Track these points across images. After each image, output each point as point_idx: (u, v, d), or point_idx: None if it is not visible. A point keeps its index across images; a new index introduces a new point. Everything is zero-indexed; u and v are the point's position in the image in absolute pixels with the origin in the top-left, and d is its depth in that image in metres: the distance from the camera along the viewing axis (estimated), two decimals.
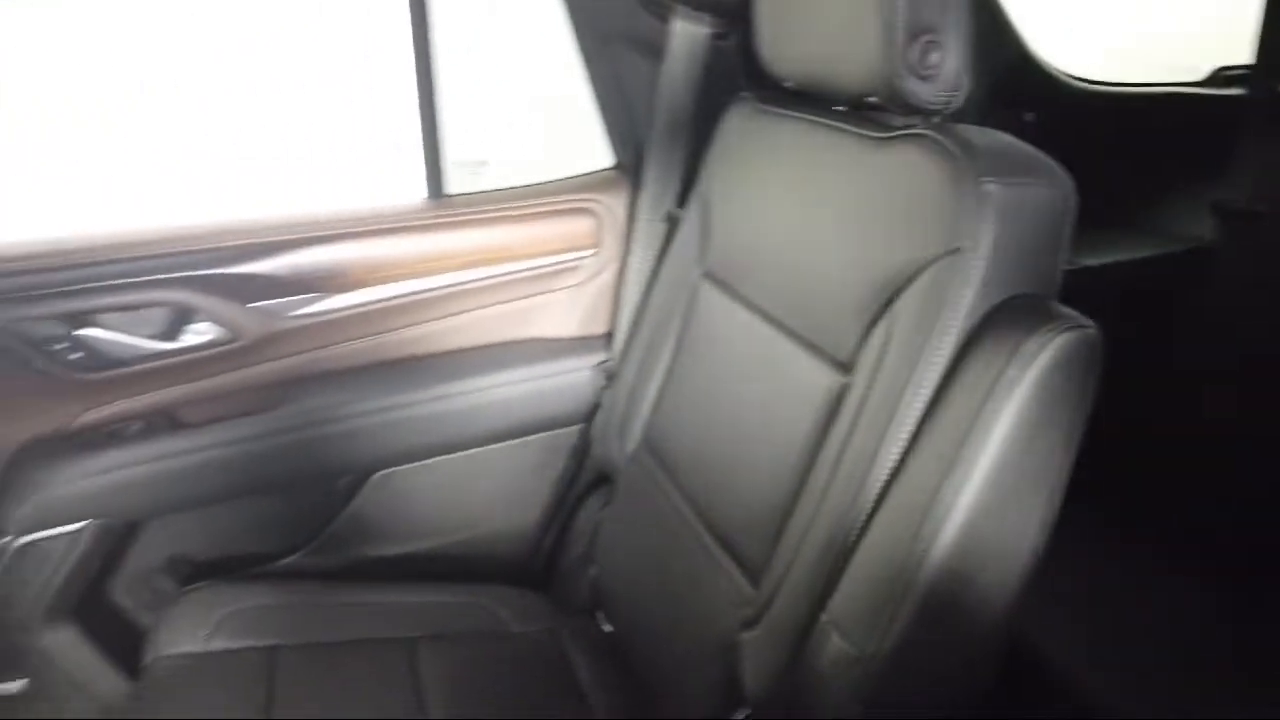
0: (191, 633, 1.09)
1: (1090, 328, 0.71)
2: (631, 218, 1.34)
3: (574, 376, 1.34)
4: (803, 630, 0.79)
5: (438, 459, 1.31)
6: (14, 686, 1.21)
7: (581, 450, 1.38)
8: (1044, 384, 0.70)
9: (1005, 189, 0.74)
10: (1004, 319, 0.73)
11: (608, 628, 1.19)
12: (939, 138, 0.80)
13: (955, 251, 0.74)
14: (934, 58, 0.78)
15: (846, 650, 0.74)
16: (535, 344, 1.37)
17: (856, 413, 0.81)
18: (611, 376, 1.30)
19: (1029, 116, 1.71)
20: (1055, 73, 1.80)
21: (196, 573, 1.26)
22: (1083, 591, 1.45)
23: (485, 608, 1.21)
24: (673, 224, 1.23)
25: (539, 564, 1.42)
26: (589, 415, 1.35)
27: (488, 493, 1.36)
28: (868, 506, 0.76)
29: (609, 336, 1.36)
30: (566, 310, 1.37)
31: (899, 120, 0.86)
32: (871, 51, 0.80)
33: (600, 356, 1.34)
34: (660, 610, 1.07)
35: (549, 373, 1.34)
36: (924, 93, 0.80)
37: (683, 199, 1.22)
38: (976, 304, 0.74)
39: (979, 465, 0.70)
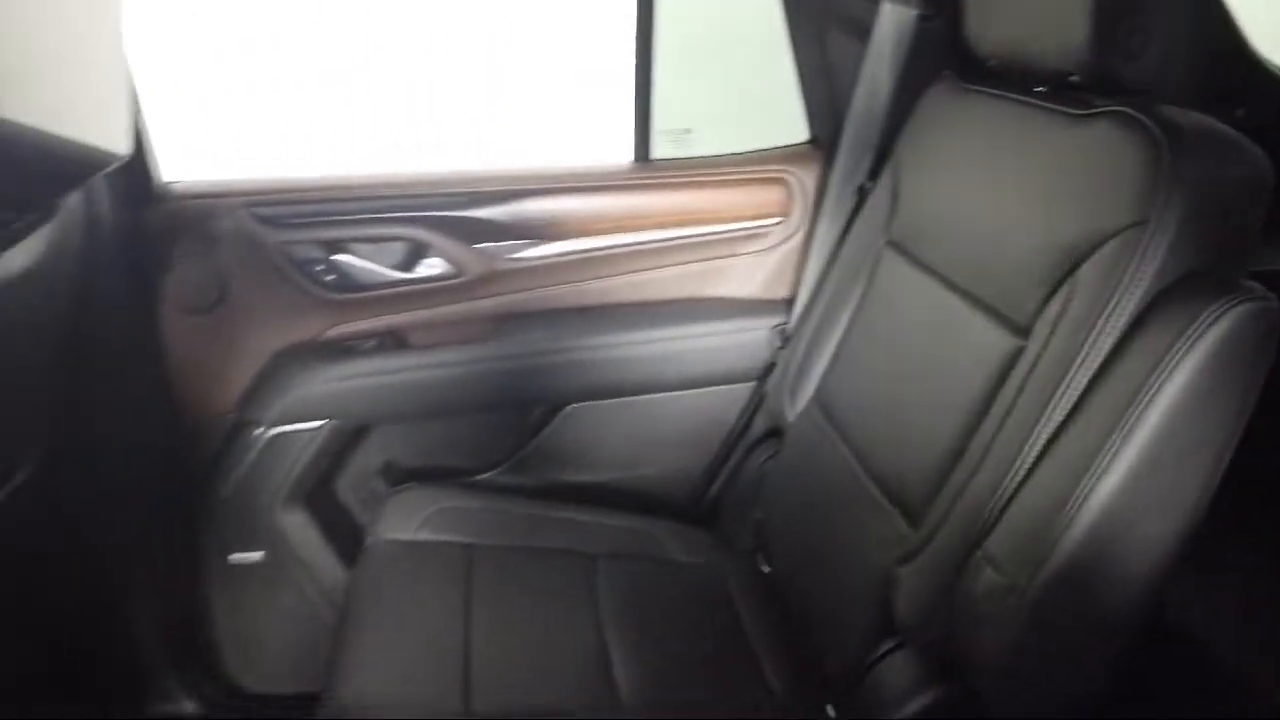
0: (403, 525, 1.25)
1: (1271, 300, 0.73)
2: (821, 190, 1.41)
3: (752, 335, 1.43)
4: (958, 564, 0.85)
5: (622, 399, 1.44)
6: (256, 556, 1.42)
7: (754, 405, 1.47)
8: (1216, 354, 0.73)
9: (1198, 165, 0.77)
10: (1183, 290, 0.77)
11: (766, 569, 1.27)
12: (1137, 114, 0.83)
13: (1142, 224, 0.77)
14: (1139, 38, 0.82)
15: (999, 582, 0.80)
16: (720, 303, 1.47)
17: (1028, 373, 0.85)
18: (788, 338, 1.37)
19: (1240, 112, 1.66)
20: (1273, 67, 1.73)
21: (407, 477, 1.43)
22: (1255, 587, 1.42)
23: (655, 537, 1.32)
24: (862, 196, 1.29)
25: (706, 505, 1.52)
26: (764, 373, 1.43)
27: (665, 436, 1.47)
28: (1031, 458, 0.82)
29: (789, 302, 1.44)
30: (751, 273, 1.46)
31: (1099, 101, 0.88)
32: (1076, 30, 0.83)
33: (779, 319, 1.42)
34: (819, 551, 1.14)
35: (730, 329, 1.43)
36: (1127, 73, 0.83)
37: (874, 173, 1.29)
38: (1158, 275, 0.77)
39: (1144, 426, 0.74)
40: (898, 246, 1.14)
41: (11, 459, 1.01)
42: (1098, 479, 0.75)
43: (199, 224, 1.30)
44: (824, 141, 1.44)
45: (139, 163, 1.26)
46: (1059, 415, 0.81)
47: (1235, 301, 0.73)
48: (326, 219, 1.33)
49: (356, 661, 1.03)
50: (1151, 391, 0.74)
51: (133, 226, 1.25)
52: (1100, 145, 0.85)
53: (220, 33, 2.81)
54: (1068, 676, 0.83)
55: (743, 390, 1.46)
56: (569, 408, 1.43)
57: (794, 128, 1.47)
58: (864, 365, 1.16)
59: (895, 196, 1.17)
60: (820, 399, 1.23)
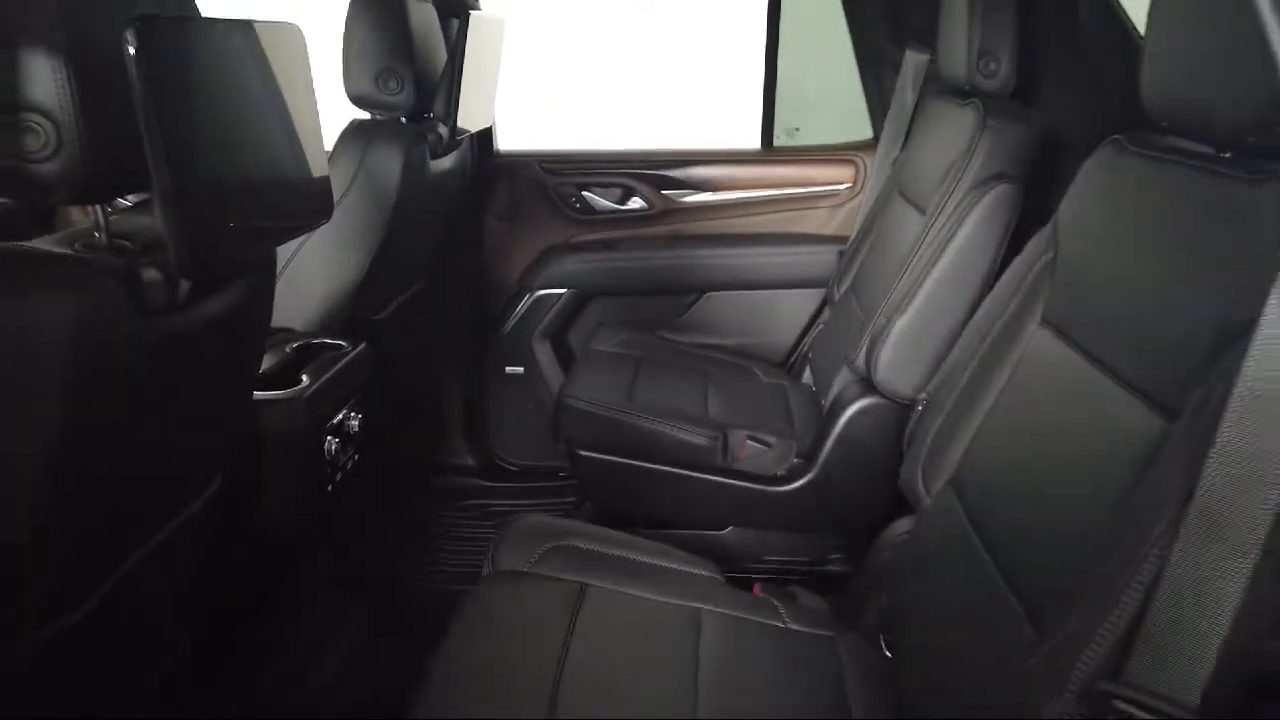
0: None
1: None
2: (873, 168, 2.29)
3: (822, 256, 2.29)
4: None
5: (740, 291, 2.35)
6: (519, 369, 2.43)
7: (820, 304, 2.33)
8: None
9: None
10: None
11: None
12: None
13: None
14: None
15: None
16: (804, 236, 2.36)
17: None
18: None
19: None
20: None
21: (614, 330, 2.40)
22: None
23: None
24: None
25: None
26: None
27: (762, 316, 2.36)
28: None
29: (846, 238, 2.29)
30: (825, 219, 2.35)
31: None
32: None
33: (839, 247, 2.28)
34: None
35: (808, 251, 2.32)
36: None
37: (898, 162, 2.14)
38: None
39: None
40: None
41: (415, 275, 2.04)
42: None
43: (510, 171, 2.36)
44: (879, 137, 2.32)
45: (486, 133, 2.32)
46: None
47: None
48: (579, 171, 2.35)
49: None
50: None
51: (480, 168, 2.31)
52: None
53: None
54: None
55: (814, 294, 2.32)
56: (707, 294, 2.36)
57: (863, 125, 2.37)
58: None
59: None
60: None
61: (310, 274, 1.71)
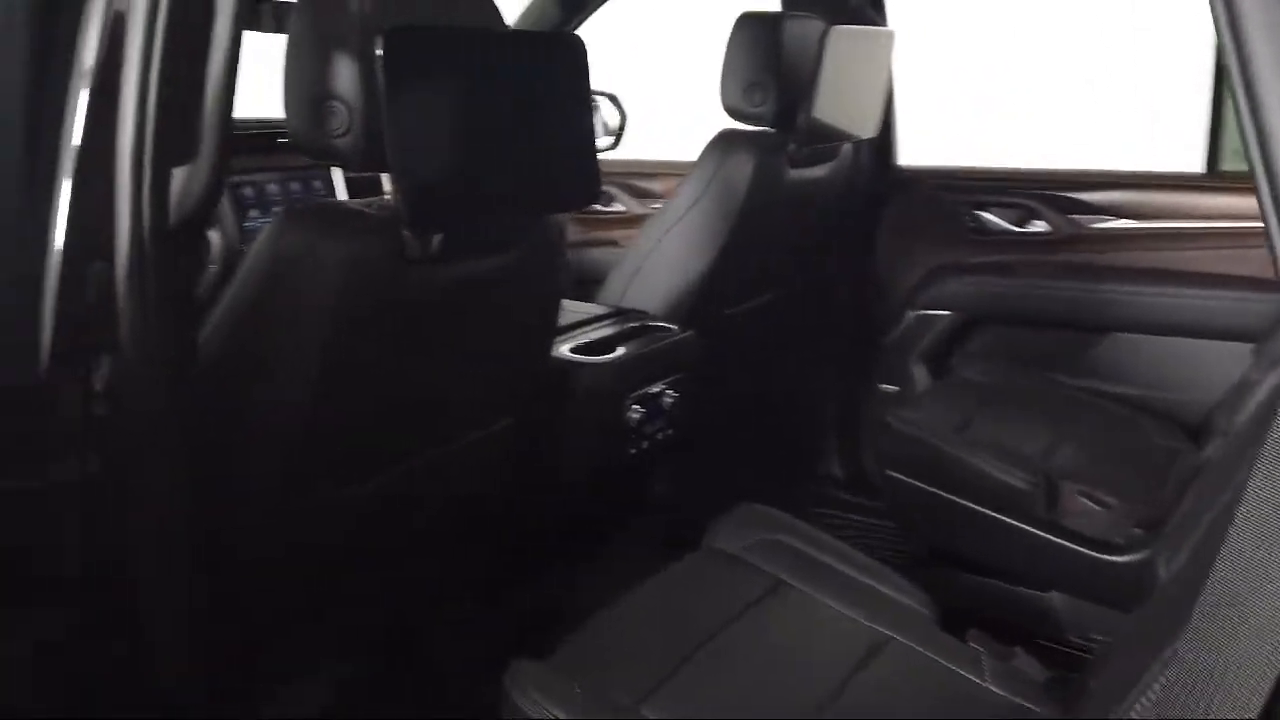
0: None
1: None
2: None
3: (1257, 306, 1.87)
4: None
5: (1143, 336, 2.02)
6: (893, 389, 2.38)
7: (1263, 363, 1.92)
8: None
9: None
10: None
11: None
12: None
13: None
14: None
15: None
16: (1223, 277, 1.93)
17: None
18: None
19: None
20: None
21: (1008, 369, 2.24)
22: None
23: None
24: None
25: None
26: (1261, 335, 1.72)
27: (1170, 369, 2.01)
28: None
29: None
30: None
31: None
32: None
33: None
34: None
35: (1233, 296, 1.91)
36: None
37: None
38: None
39: None
40: None
41: (771, 279, 2.10)
42: None
43: (905, 186, 2.32)
44: None
45: (885, 146, 2.31)
46: None
47: None
48: (977, 188, 2.23)
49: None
50: None
51: (875, 182, 2.32)
52: None
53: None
54: None
55: (1241, 348, 1.91)
56: (1112, 334, 2.08)
57: None
58: None
59: None
60: None
61: (663, 266, 1.90)
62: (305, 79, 1.06)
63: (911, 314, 2.30)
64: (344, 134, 1.06)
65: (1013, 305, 2.20)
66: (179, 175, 0.90)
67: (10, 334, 0.88)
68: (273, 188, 1.97)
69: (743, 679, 1.12)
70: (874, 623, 1.22)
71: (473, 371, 1.33)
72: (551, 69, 1.19)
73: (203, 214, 0.93)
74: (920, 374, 2.31)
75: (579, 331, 1.72)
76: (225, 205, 1.84)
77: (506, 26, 1.21)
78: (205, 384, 1.04)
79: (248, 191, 1.92)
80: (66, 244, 0.89)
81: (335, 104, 1.05)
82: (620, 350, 1.65)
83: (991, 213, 2.23)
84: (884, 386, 2.37)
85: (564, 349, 1.62)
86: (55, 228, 0.88)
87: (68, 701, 0.98)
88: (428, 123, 1.04)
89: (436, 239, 1.13)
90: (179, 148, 0.90)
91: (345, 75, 1.04)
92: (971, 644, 1.22)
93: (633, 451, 1.70)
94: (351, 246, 1.06)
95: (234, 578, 1.12)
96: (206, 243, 1.58)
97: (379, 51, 0.99)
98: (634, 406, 1.67)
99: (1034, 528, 1.64)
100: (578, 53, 1.21)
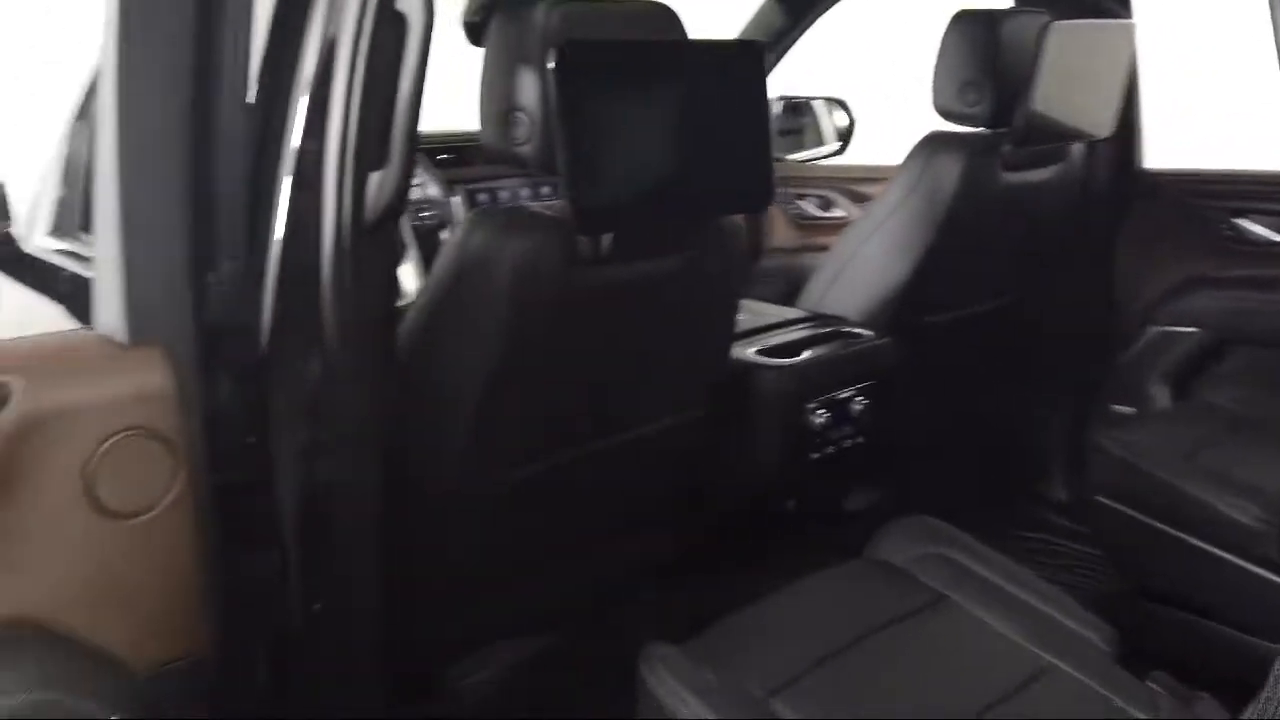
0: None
1: None
2: None
3: None
4: None
5: None
6: (1129, 410, 2.19)
7: None
8: None
9: None
10: None
11: None
12: None
13: None
14: None
15: None
16: None
17: None
18: None
19: None
20: None
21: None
22: None
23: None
24: None
25: None
26: None
27: None
28: None
29: None
30: None
31: None
32: None
33: None
34: None
35: None
36: None
37: None
38: None
39: None
40: None
41: (983, 289, 1.98)
42: None
43: (1150, 191, 2.12)
44: None
45: (1127, 148, 2.12)
46: None
47: None
48: (1235, 193, 2.01)
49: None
50: None
51: (1114, 186, 2.14)
52: None
53: None
54: None
55: None
56: None
57: None
58: None
59: None
60: None
61: (863, 271, 1.88)
62: (495, 93, 1.17)
63: (1154, 330, 2.11)
64: (526, 142, 1.16)
65: (1273, 324, 1.95)
66: (374, 179, 1.03)
67: (238, 316, 1.05)
68: (504, 194, 2.15)
69: (882, 687, 1.10)
70: (1039, 649, 1.15)
71: (644, 368, 1.40)
72: (726, 76, 1.23)
73: (392, 212, 1.06)
74: (1161, 395, 2.11)
75: (771, 334, 1.74)
76: (458, 207, 2.04)
77: (687, 37, 1.26)
78: (400, 367, 1.18)
79: (482, 196, 2.11)
80: (285, 234, 1.05)
81: (519, 114, 1.15)
82: (806, 354, 1.66)
83: (1253, 220, 2.00)
84: (1117, 407, 2.19)
85: (750, 351, 1.65)
86: (276, 221, 1.04)
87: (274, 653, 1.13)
88: (595, 131, 1.11)
89: (606, 240, 1.21)
90: (374, 154, 1.03)
91: (528, 88, 1.14)
92: (1151, 685, 1.12)
93: (815, 456, 1.70)
94: (525, 245, 1.16)
95: (416, 555, 1.25)
96: (400, 237, 1.76)
97: (550, 64, 1.07)
98: (818, 411, 1.67)
99: (1266, 570, 1.46)
100: (754, 59, 1.24)
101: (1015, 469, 2.32)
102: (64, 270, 1.48)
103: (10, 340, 0.98)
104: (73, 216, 1.57)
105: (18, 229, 1.52)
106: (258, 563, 1.10)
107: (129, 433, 0.94)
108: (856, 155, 2.67)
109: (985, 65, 1.75)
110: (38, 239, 1.60)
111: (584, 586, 1.61)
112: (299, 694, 1.17)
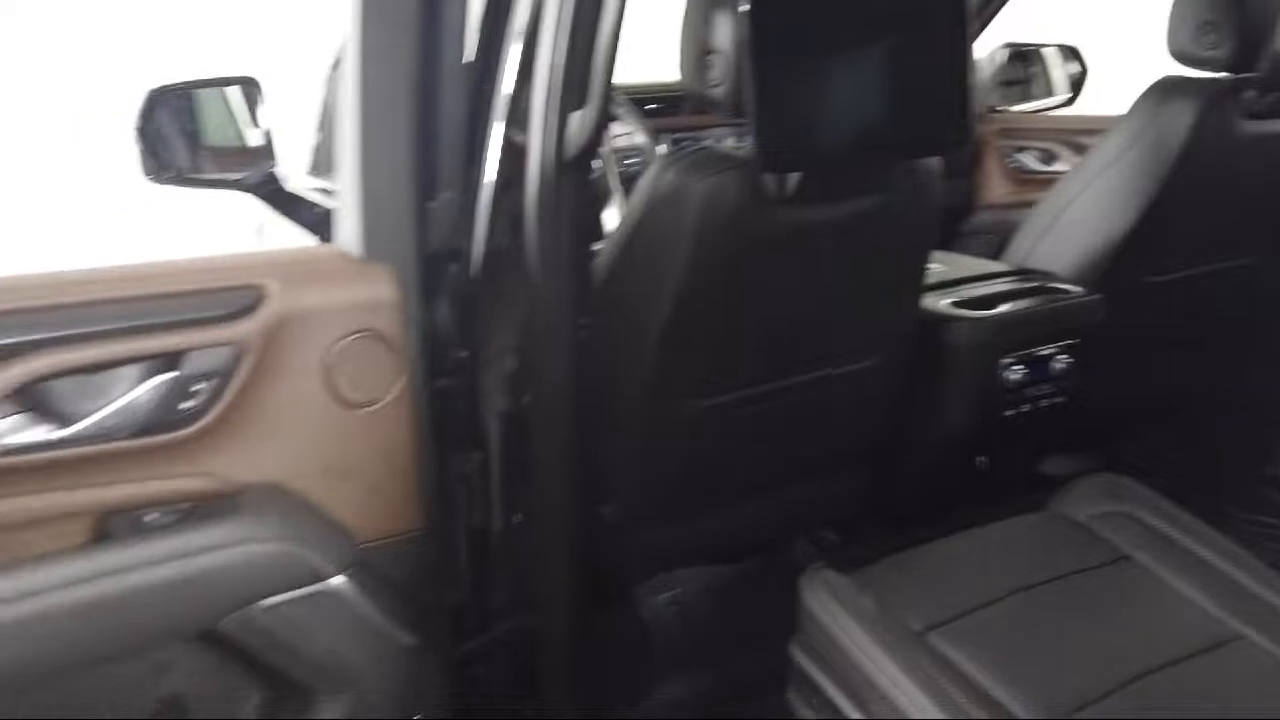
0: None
1: None
2: None
3: None
4: None
5: None
6: None
7: None
8: None
9: None
10: None
11: None
12: None
13: None
14: None
15: None
16: None
17: None
18: None
19: None
20: None
21: None
22: None
23: None
24: None
25: None
26: None
27: None
28: None
29: None
30: None
31: None
32: None
33: None
34: None
35: None
36: None
37: None
38: None
39: None
40: None
41: (1217, 247, 1.80)
42: None
43: None
44: None
45: None
46: None
47: None
48: None
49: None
50: None
51: None
52: None
53: None
54: None
55: None
56: None
57: None
58: None
59: None
60: None
61: (1075, 225, 1.79)
62: (692, 36, 1.23)
63: None
64: (720, 84, 1.21)
65: None
66: (574, 118, 1.13)
67: (455, 242, 1.18)
68: (708, 143, 2.21)
69: (1045, 635, 1.08)
70: (1227, 615, 1.10)
71: (830, 310, 1.42)
72: (924, 15, 1.22)
73: (589, 150, 1.15)
74: None
75: (968, 286, 1.71)
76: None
77: None
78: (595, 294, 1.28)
79: (687, 144, 2.18)
80: (497, 169, 1.17)
81: (714, 57, 1.21)
82: (1004, 307, 1.62)
83: None
84: None
85: (944, 302, 1.62)
86: (487, 161, 1.16)
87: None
88: (782, 69, 1.15)
89: (794, 180, 1.24)
90: (575, 97, 1.12)
91: (722, 30, 1.19)
92: None
93: (1010, 413, 1.66)
94: (710, 184, 1.22)
95: (609, 476, 1.34)
96: (607, 183, 1.85)
97: (743, 7, 1.12)
98: (1014, 366, 1.62)
99: None
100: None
101: (1240, 448, 2.14)
102: (317, 206, 1.70)
103: (267, 250, 1.16)
104: (326, 158, 1.79)
105: (281, 170, 1.74)
106: (466, 462, 1.24)
107: (361, 334, 1.10)
108: (1086, 106, 2.52)
109: (1228, 2, 1.61)
110: (297, 178, 1.84)
111: (766, 523, 1.67)
112: (496, 587, 1.32)
